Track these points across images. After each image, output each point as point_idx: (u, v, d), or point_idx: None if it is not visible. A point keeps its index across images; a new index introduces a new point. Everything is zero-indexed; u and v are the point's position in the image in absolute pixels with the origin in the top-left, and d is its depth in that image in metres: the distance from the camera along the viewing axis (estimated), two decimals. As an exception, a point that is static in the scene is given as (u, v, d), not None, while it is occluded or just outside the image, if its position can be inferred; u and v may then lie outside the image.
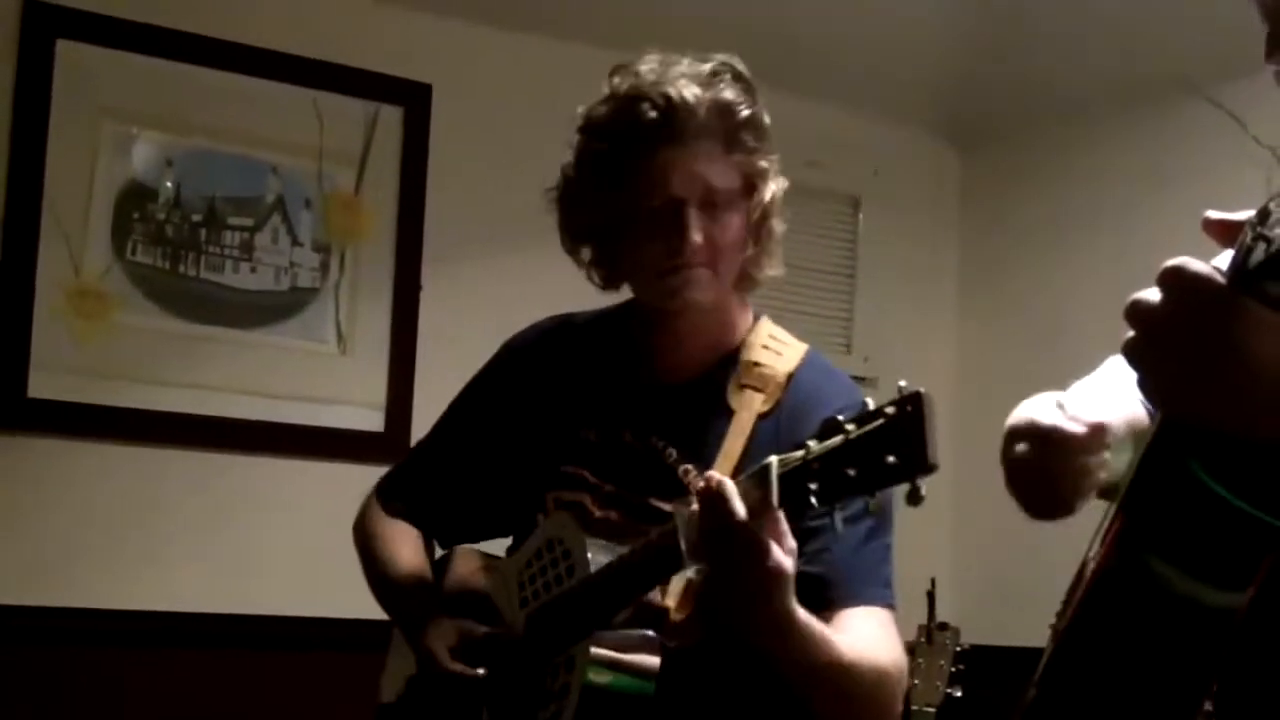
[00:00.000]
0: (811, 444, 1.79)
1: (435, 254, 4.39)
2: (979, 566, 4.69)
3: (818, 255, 5.02)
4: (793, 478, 1.81)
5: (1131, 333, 1.18)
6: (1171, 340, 1.15)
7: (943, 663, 3.59)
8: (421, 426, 4.21)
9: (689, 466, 2.23)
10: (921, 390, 1.70)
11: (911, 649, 3.43)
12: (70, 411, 3.91)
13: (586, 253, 2.38)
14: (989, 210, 5.30)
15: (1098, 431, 1.50)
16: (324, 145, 4.28)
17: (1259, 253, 1.12)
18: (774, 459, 1.84)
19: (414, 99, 4.40)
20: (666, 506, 2.17)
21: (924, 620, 3.55)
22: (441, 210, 4.41)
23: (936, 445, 1.68)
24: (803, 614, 1.98)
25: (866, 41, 4.64)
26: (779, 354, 2.30)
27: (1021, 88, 4.88)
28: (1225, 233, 1.20)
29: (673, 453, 2.26)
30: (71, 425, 3.92)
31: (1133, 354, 1.18)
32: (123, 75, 4.04)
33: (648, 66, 2.24)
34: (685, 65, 2.23)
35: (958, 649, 3.63)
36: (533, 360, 2.49)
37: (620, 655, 2.10)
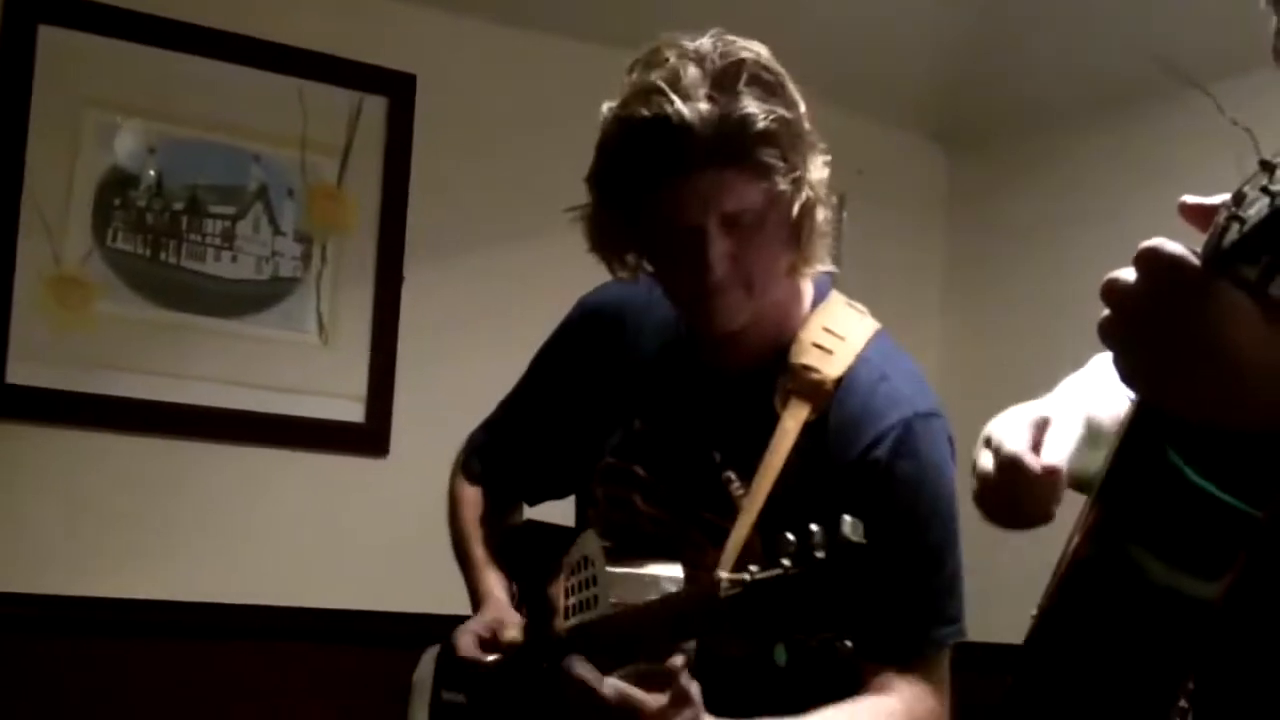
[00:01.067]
0: (753, 569, 1.76)
1: (418, 245, 4.37)
2: (964, 563, 4.68)
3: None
4: (735, 603, 1.77)
5: (1107, 312, 1.17)
6: (1145, 321, 1.15)
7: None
8: (401, 419, 4.24)
9: (731, 474, 2.19)
10: (852, 540, 1.66)
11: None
12: (50, 399, 3.89)
13: (624, 265, 2.28)
14: (975, 210, 5.29)
15: (1051, 474, 1.51)
16: (307, 135, 4.26)
17: (1233, 233, 1.12)
18: (723, 575, 1.81)
19: (398, 89, 4.38)
20: (707, 514, 2.16)
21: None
22: (425, 201, 4.39)
23: (858, 605, 1.66)
24: None
25: (854, 41, 4.62)
26: (831, 353, 2.21)
27: (1008, 89, 4.87)
28: (1201, 217, 1.20)
29: (717, 455, 2.21)
30: (51, 413, 3.89)
31: (1107, 334, 1.18)
32: (105, 62, 4.02)
33: (656, 74, 2.10)
34: (702, 65, 2.10)
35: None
36: (603, 325, 2.44)
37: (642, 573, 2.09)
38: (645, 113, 2.08)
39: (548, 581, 2.36)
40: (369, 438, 4.23)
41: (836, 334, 2.25)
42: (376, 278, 4.32)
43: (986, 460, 1.56)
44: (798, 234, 2.16)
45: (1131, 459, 1.38)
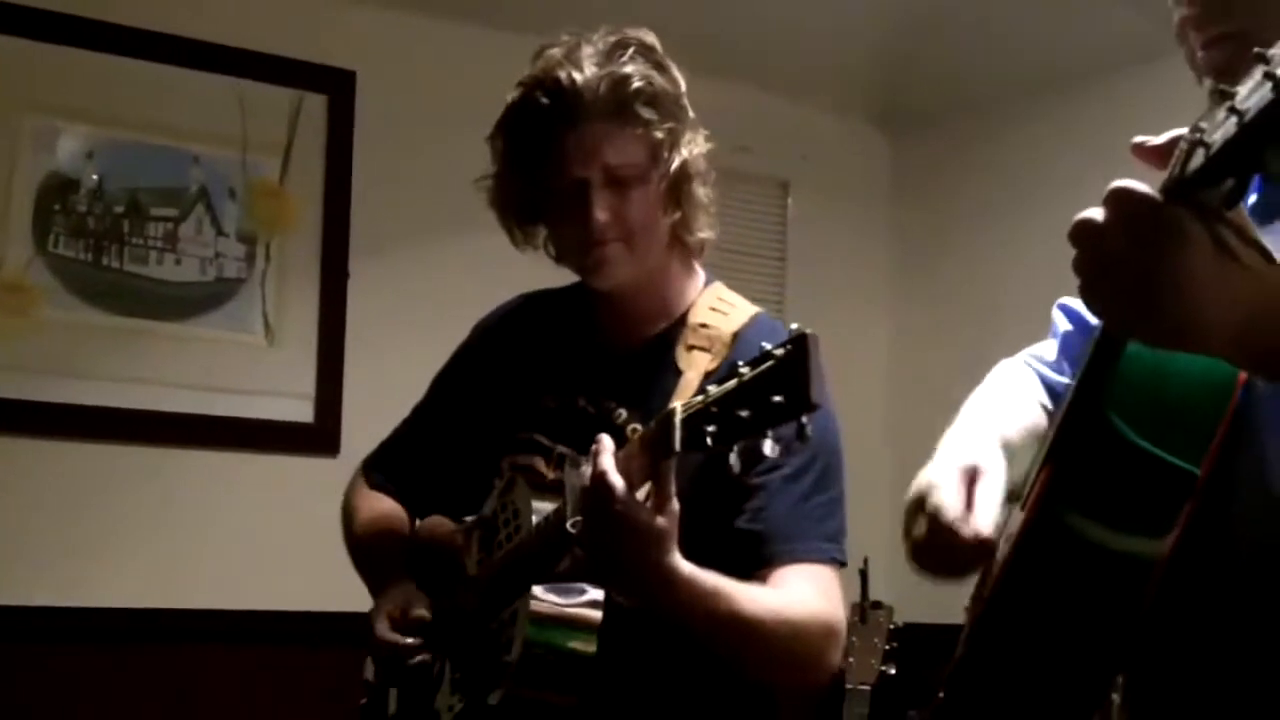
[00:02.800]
0: (710, 388, 1.83)
1: (362, 243, 4.36)
2: (912, 547, 4.71)
3: (748, 239, 5.02)
4: (692, 422, 1.83)
5: (1078, 252, 1.21)
6: (1110, 256, 1.18)
7: (877, 641, 3.61)
8: (351, 417, 4.23)
9: (637, 426, 2.25)
10: (807, 332, 1.73)
11: (847, 628, 3.43)
12: (-6, 407, 3.87)
13: (523, 234, 2.42)
14: (919, 195, 5.32)
15: (983, 544, 1.55)
16: (247, 134, 4.25)
17: (1198, 158, 1.14)
18: (677, 404, 1.88)
19: (338, 87, 4.37)
20: None
21: (858, 599, 3.57)
22: (368, 198, 4.38)
23: (821, 384, 1.72)
24: (688, 570, 2.00)
25: (796, 26, 4.64)
26: (726, 314, 2.34)
27: (950, 73, 4.90)
28: (1158, 155, 1.22)
29: (623, 413, 2.29)
30: (-4, 421, 3.87)
31: (1079, 272, 1.21)
32: (43, 66, 4.00)
33: (556, 50, 2.29)
34: (594, 44, 2.27)
35: (891, 627, 3.65)
36: (498, 336, 2.55)
37: (561, 611, 2.12)
38: (538, 77, 2.28)
39: (451, 551, 2.43)
40: (319, 437, 4.22)
41: (728, 303, 2.39)
42: (321, 276, 4.32)
43: (921, 526, 1.61)
44: (676, 197, 2.30)
45: (1075, 423, 1.42)
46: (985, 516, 1.56)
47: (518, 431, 2.40)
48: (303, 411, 4.25)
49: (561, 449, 2.32)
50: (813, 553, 2.21)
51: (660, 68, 2.29)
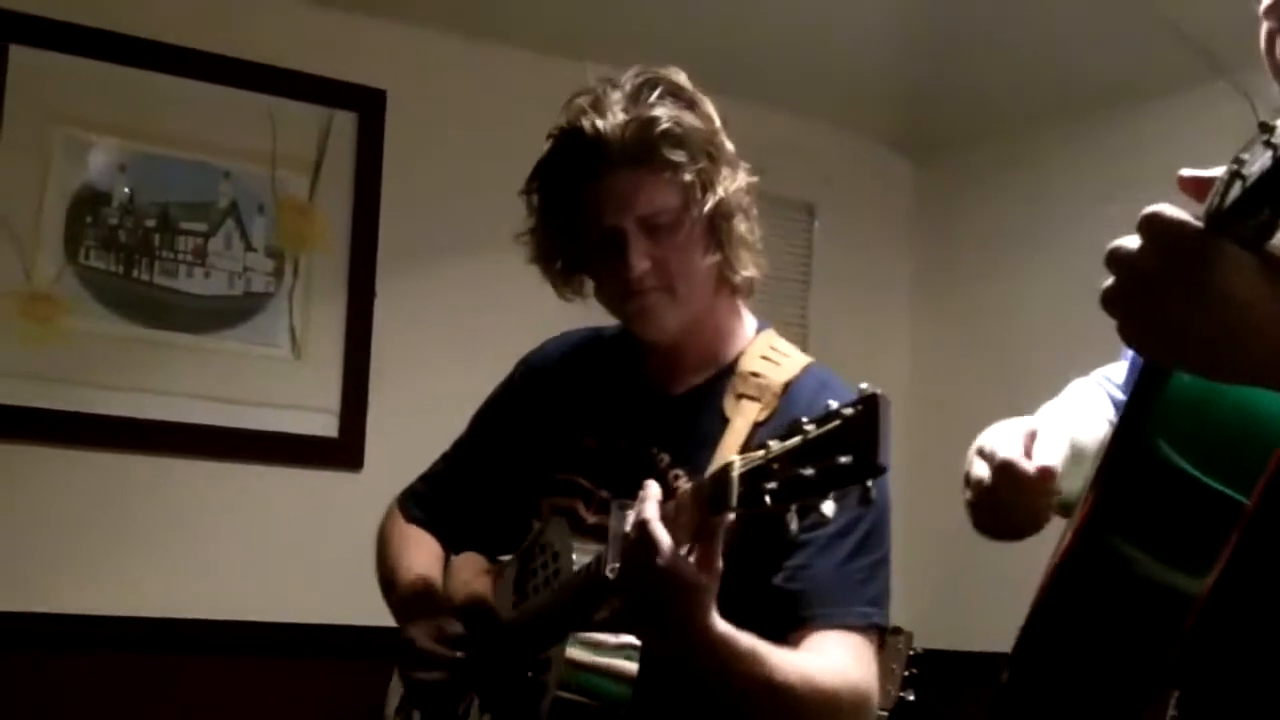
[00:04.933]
0: (772, 444, 1.77)
1: (389, 259, 4.38)
2: (931, 571, 4.71)
3: (772, 262, 4.99)
4: (751, 478, 1.78)
5: (1111, 280, 1.19)
6: (1149, 283, 1.16)
7: (895, 667, 3.61)
8: (375, 432, 4.25)
9: (679, 472, 2.24)
10: (879, 393, 1.67)
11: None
12: (22, 416, 3.89)
13: (569, 286, 2.39)
14: (941, 218, 5.32)
15: (1046, 475, 1.54)
16: (278, 151, 4.27)
17: (1235, 190, 1.14)
18: (736, 457, 1.82)
19: (368, 105, 4.40)
20: None
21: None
22: (396, 216, 4.40)
23: (888, 447, 1.66)
24: (725, 629, 1.97)
25: (820, 50, 4.65)
26: (778, 364, 2.29)
27: (972, 97, 4.90)
28: (1200, 188, 1.22)
29: (665, 458, 2.26)
30: (24, 430, 3.90)
31: (1112, 301, 1.19)
32: (76, 81, 4.03)
33: (583, 98, 2.26)
34: (621, 88, 2.23)
35: (910, 653, 3.65)
36: (544, 375, 2.52)
37: (596, 659, 2.10)
38: (566, 127, 2.25)
39: (485, 592, 2.40)
40: (343, 451, 4.24)
41: (781, 352, 2.34)
42: (349, 292, 4.34)
43: (981, 468, 1.59)
44: (716, 237, 2.26)
45: (1121, 449, 1.40)
46: (1046, 455, 1.55)
47: (558, 472, 2.37)
48: (327, 426, 4.27)
49: (603, 493, 2.28)
50: (851, 618, 2.16)
51: (691, 106, 2.25)
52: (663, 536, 1.89)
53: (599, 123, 2.19)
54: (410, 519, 2.61)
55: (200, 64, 4.17)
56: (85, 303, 4.00)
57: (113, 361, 4.03)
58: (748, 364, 2.30)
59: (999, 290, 5.02)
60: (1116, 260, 1.17)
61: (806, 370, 2.29)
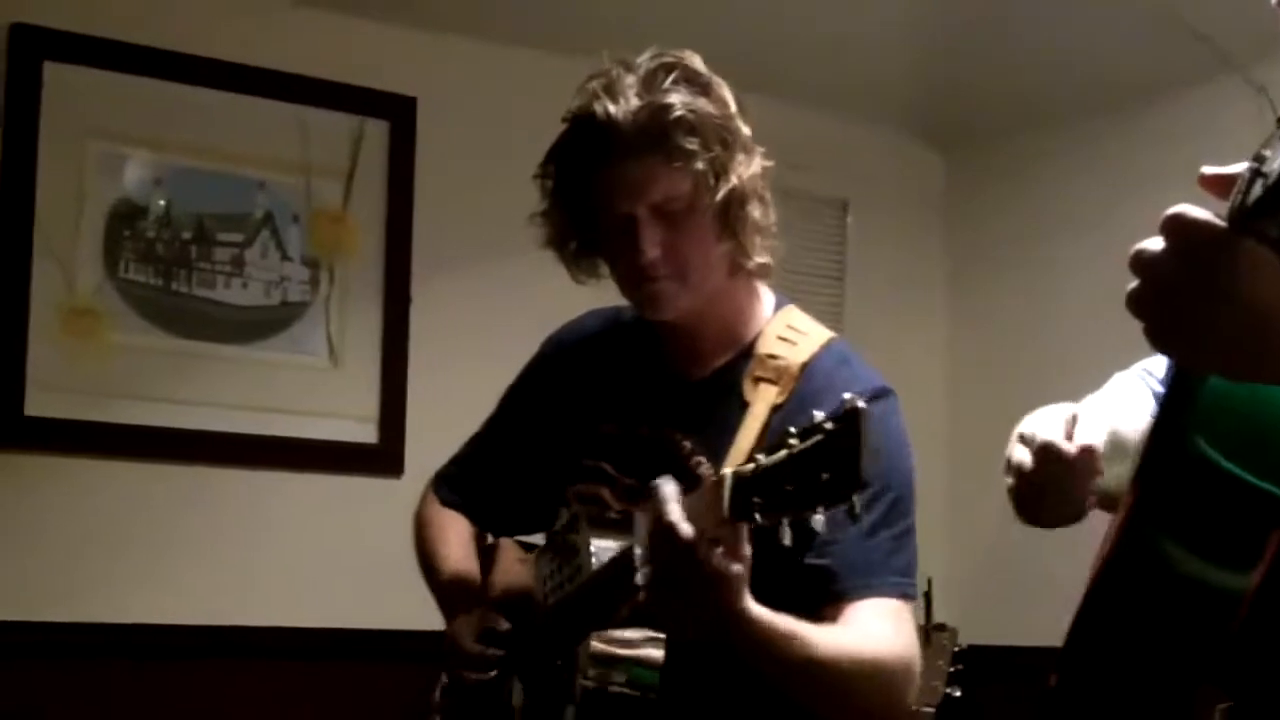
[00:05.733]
0: (760, 457, 1.79)
1: (424, 266, 4.40)
2: (975, 567, 4.71)
3: (806, 258, 5.03)
4: (741, 490, 1.80)
5: (1135, 283, 1.18)
6: (1174, 284, 1.15)
7: (940, 663, 3.61)
8: (414, 438, 4.27)
9: (702, 459, 2.25)
10: (860, 406, 1.68)
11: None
12: (66, 429, 3.92)
13: (582, 269, 2.39)
14: (974, 213, 5.31)
15: (1087, 454, 1.55)
16: (310, 160, 4.29)
17: (1257, 189, 1.13)
18: (728, 471, 1.84)
19: (399, 113, 4.42)
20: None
21: (921, 621, 3.56)
22: (430, 222, 4.42)
23: (869, 462, 1.66)
24: (761, 614, 1.97)
25: (851, 47, 4.65)
26: (795, 344, 2.29)
27: (1004, 91, 4.89)
28: (1222, 185, 1.21)
29: (687, 445, 2.26)
30: (68, 442, 3.93)
31: (1137, 303, 1.18)
32: (110, 96, 4.05)
33: (596, 81, 2.25)
34: (635, 72, 2.23)
35: (955, 649, 3.65)
36: (569, 355, 2.52)
37: (623, 650, 2.11)
38: (579, 113, 2.25)
39: (521, 582, 2.41)
40: (383, 458, 4.26)
41: (799, 329, 2.33)
42: (384, 299, 4.36)
43: (1022, 452, 1.60)
44: (730, 224, 2.23)
45: (1159, 447, 1.40)
46: (1087, 435, 1.55)
47: (582, 458, 2.37)
48: (366, 433, 4.29)
49: (628, 480, 2.29)
50: (884, 587, 2.16)
51: (705, 91, 2.23)
52: (689, 532, 1.88)
53: (612, 108, 2.19)
54: (444, 502, 2.62)
55: (232, 76, 4.19)
56: (125, 316, 4.03)
57: (153, 373, 4.05)
58: (765, 345, 2.29)
59: (1033, 282, 5.01)
60: (1140, 263, 1.17)
61: (825, 348, 2.29)
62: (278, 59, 4.26)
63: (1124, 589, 1.41)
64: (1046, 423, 1.60)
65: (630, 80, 2.21)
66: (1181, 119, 4.47)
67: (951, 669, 3.62)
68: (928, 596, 3.54)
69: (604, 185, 2.23)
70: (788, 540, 1.75)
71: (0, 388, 3.86)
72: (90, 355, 3.98)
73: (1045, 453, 1.56)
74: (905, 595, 2.20)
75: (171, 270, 4.10)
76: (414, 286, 4.39)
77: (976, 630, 4.02)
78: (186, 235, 4.14)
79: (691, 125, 2.18)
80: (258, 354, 4.19)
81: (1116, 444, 1.64)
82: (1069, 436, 1.58)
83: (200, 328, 4.12)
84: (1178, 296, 1.15)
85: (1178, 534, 1.36)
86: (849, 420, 1.67)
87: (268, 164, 4.26)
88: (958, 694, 3.60)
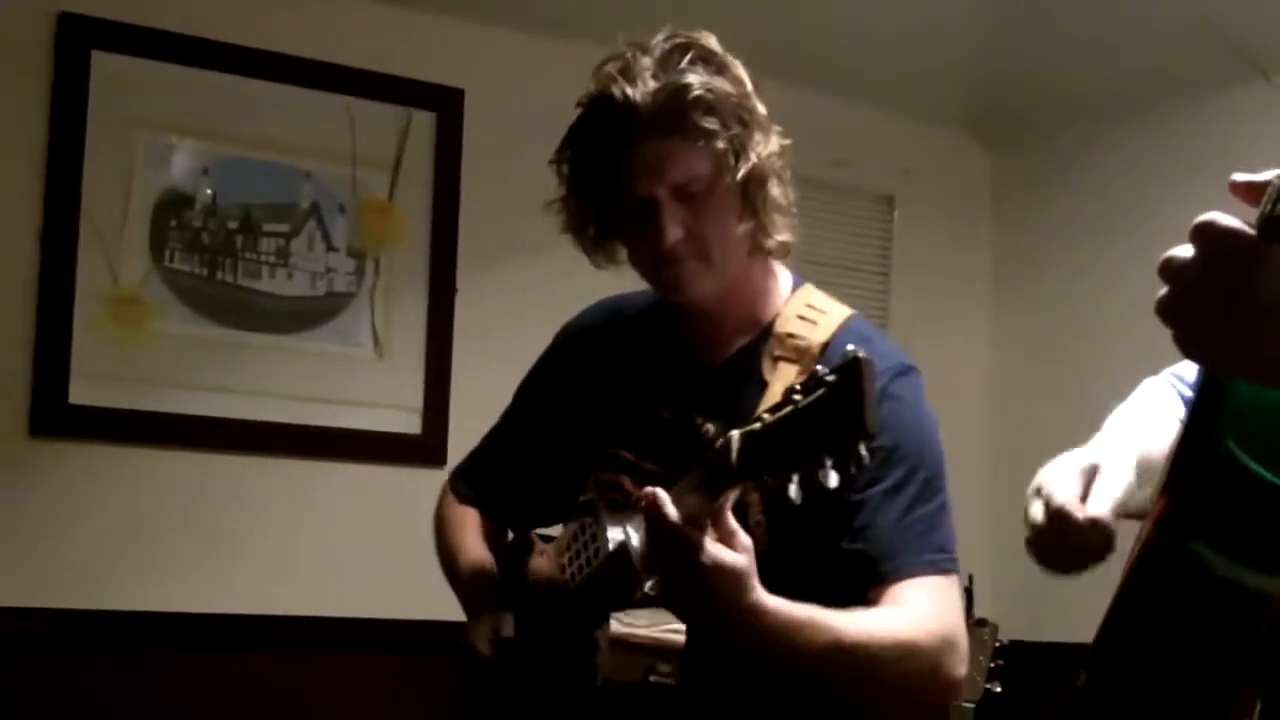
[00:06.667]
0: (765, 415, 1.78)
1: (470, 257, 4.41)
2: (1016, 563, 4.67)
3: (852, 253, 5.03)
4: (747, 450, 1.80)
5: (1164, 290, 1.18)
6: (1202, 292, 1.15)
7: (981, 658, 3.59)
8: (458, 428, 4.28)
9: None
10: (860, 355, 1.68)
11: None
12: (110, 418, 3.94)
13: (602, 254, 2.39)
14: (1020, 207, 5.30)
15: (1095, 525, 1.54)
16: (357, 151, 4.30)
17: None
18: (734, 432, 1.83)
19: (446, 104, 4.42)
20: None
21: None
22: (475, 213, 4.43)
23: (875, 410, 1.67)
24: (776, 604, 1.96)
25: (897, 41, 4.64)
26: (815, 323, 2.27)
27: (1050, 85, 4.88)
28: (1253, 193, 1.21)
29: (710, 428, 2.25)
30: (112, 431, 3.95)
31: (1166, 310, 1.18)
32: (157, 85, 4.07)
33: (612, 64, 2.24)
34: (651, 53, 2.21)
35: (996, 644, 3.64)
36: (585, 345, 2.52)
37: (642, 636, 2.11)
38: (596, 95, 2.24)
39: (533, 572, 2.41)
40: (426, 449, 4.27)
41: (818, 309, 2.32)
42: (429, 290, 4.37)
43: (1037, 511, 1.60)
44: (750, 203, 2.22)
45: (1191, 451, 1.40)
46: (1100, 503, 1.55)
47: (603, 445, 2.37)
48: (410, 423, 4.31)
49: (649, 465, 2.29)
50: (922, 565, 2.16)
51: (721, 69, 2.21)
52: (692, 535, 1.89)
53: (629, 90, 2.17)
54: (460, 498, 2.62)
55: (280, 66, 4.21)
56: (171, 305, 4.04)
57: (197, 363, 4.07)
58: (784, 325, 2.28)
59: (1079, 278, 4.99)
60: (1169, 271, 1.16)
61: (845, 326, 2.28)
62: (325, 50, 4.27)
63: (1155, 591, 1.41)
64: (1062, 479, 1.60)
65: (646, 62, 2.20)
66: (1230, 116, 4.44)
67: (993, 664, 3.61)
68: (969, 592, 3.53)
69: (624, 168, 2.21)
70: (795, 496, 1.73)
71: (45, 376, 3.88)
72: (135, 344, 3.99)
73: (1057, 518, 1.57)
74: (944, 570, 2.19)
75: (217, 260, 4.12)
76: (459, 278, 4.40)
77: (1018, 626, 4.01)
78: (232, 225, 4.15)
79: (710, 104, 2.16)
80: (303, 344, 4.21)
81: (1146, 467, 1.64)
82: (1085, 494, 1.58)
83: (245, 318, 4.14)
84: (1207, 305, 1.15)
85: (1209, 536, 1.36)
86: (850, 370, 1.68)
87: (314, 154, 4.27)
88: (999, 689, 3.59)
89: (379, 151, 4.34)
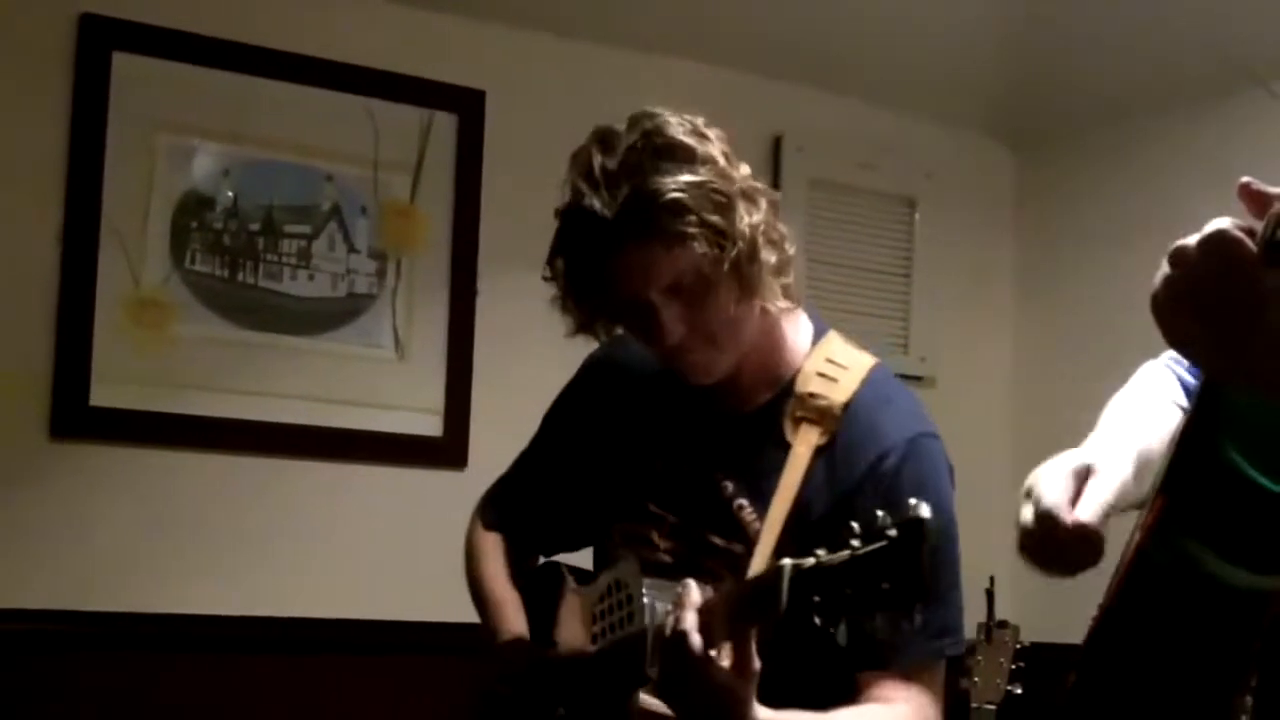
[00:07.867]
0: (820, 553, 1.77)
1: (491, 259, 4.40)
2: (1038, 565, 4.67)
3: (874, 256, 5.01)
4: (799, 587, 1.78)
5: (1161, 279, 1.21)
6: (1196, 292, 1.18)
7: (1003, 660, 3.58)
8: (479, 431, 4.28)
9: (744, 502, 2.24)
10: (924, 516, 1.67)
11: (972, 647, 3.43)
12: (131, 420, 3.94)
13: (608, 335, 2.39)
14: (1043, 211, 5.28)
15: (1081, 530, 1.53)
16: (379, 153, 4.30)
17: None
18: (786, 562, 1.81)
19: (468, 106, 4.42)
20: (721, 542, 2.22)
21: (983, 618, 3.55)
22: (497, 215, 4.42)
23: (931, 575, 1.67)
24: (769, 717, 1.98)
25: (920, 44, 4.63)
26: (835, 381, 2.25)
27: (1074, 87, 4.86)
28: (1257, 201, 1.22)
29: (729, 486, 2.26)
30: (133, 433, 3.95)
31: (1159, 294, 1.22)
32: (178, 87, 4.07)
33: (577, 168, 2.22)
34: (613, 152, 2.17)
35: (1018, 646, 3.62)
36: (614, 381, 2.51)
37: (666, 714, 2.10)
38: (570, 205, 2.23)
39: (564, 616, 2.42)
40: (447, 450, 4.27)
41: (839, 364, 2.29)
42: (451, 292, 4.36)
43: (1026, 513, 1.59)
44: (746, 280, 2.18)
45: (1188, 453, 1.40)
46: (1089, 509, 1.54)
47: (628, 494, 2.37)
48: (432, 425, 4.30)
49: (672, 518, 2.29)
50: (928, 655, 2.18)
51: (690, 159, 2.15)
52: (696, 644, 1.90)
53: (597, 204, 2.14)
54: (487, 525, 2.64)
55: (301, 68, 4.21)
56: (192, 307, 4.04)
57: (218, 364, 4.07)
58: (805, 384, 2.26)
59: (1102, 282, 4.97)
60: (1175, 259, 1.20)
61: (865, 384, 2.26)
62: (346, 51, 4.27)
63: (1148, 592, 1.41)
64: (1052, 481, 1.58)
65: (611, 164, 2.16)
66: (1256, 119, 4.42)
67: (1014, 666, 3.60)
68: (990, 594, 3.52)
69: (610, 275, 2.19)
70: (842, 640, 1.73)
71: (66, 378, 3.88)
72: (156, 346, 4.00)
73: (1045, 521, 1.56)
74: (940, 655, 2.20)
75: (238, 262, 4.12)
76: (480, 280, 4.39)
77: (1039, 628, 3.99)
78: (254, 227, 4.15)
79: (682, 205, 2.11)
80: (323, 346, 4.20)
81: (1145, 463, 1.63)
82: (1077, 496, 1.57)
83: (266, 319, 4.14)
84: (1198, 305, 1.18)
85: (1206, 538, 1.37)
86: (913, 530, 1.67)
87: (336, 156, 4.27)
88: (1020, 691, 3.58)
89: (400, 153, 4.34)
